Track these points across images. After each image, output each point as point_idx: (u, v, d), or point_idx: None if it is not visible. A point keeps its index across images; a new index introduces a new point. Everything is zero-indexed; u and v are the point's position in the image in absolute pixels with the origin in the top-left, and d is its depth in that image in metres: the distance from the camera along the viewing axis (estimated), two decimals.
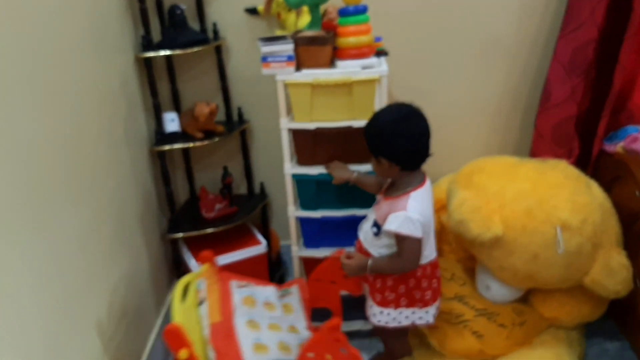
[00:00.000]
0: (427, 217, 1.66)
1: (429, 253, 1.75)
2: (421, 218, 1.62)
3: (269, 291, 1.89)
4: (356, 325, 2.25)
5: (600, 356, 2.14)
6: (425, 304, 1.78)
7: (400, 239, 1.65)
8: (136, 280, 1.99)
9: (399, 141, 1.61)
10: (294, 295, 1.92)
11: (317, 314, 1.92)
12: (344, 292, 2.02)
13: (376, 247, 1.75)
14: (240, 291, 1.81)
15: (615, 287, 1.93)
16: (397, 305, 1.78)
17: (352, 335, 2.22)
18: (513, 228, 1.89)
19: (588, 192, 1.99)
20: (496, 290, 2.08)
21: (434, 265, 1.78)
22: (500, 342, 2.00)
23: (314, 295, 1.92)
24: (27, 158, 1.30)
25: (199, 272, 1.82)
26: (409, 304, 1.78)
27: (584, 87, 2.25)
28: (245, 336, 1.65)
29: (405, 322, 1.80)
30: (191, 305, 1.71)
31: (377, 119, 1.67)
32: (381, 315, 1.81)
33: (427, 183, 1.71)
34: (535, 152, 2.35)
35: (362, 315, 2.17)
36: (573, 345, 2.05)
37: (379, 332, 2.02)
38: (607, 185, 2.17)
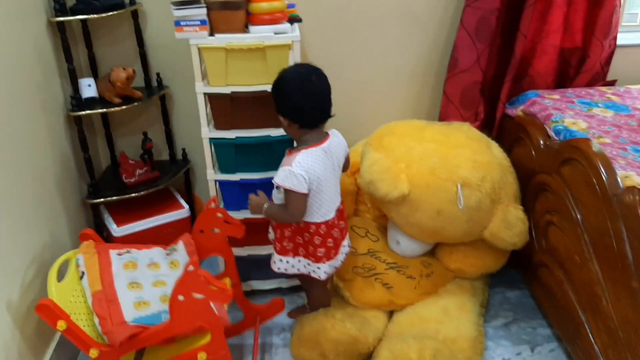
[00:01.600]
0: (316, 174, 1.72)
1: (324, 212, 1.81)
2: (305, 174, 1.69)
3: (153, 252, 1.96)
4: (273, 284, 2.35)
5: (502, 303, 2.33)
6: (317, 259, 1.86)
7: (286, 192, 1.73)
8: (57, 248, 2.00)
9: (294, 98, 1.69)
10: (180, 251, 1.98)
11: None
12: (261, 254, 2.11)
13: (278, 200, 1.84)
14: (120, 258, 1.87)
15: (512, 239, 2.10)
16: (295, 254, 1.89)
17: (273, 292, 2.34)
18: (418, 186, 2.02)
19: (488, 152, 2.13)
20: (405, 245, 2.22)
21: (329, 225, 1.84)
22: (408, 293, 2.14)
23: (202, 246, 1.98)
24: None
25: (77, 250, 1.85)
26: (306, 255, 1.88)
27: (488, 54, 2.39)
28: (125, 297, 1.72)
29: (303, 271, 1.91)
30: (73, 280, 1.76)
31: (280, 76, 1.74)
32: (280, 263, 1.92)
33: (326, 143, 1.77)
34: (444, 116, 2.49)
35: (278, 274, 2.28)
36: (476, 294, 2.22)
37: (303, 284, 2.12)
38: (509, 146, 2.33)
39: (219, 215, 1.94)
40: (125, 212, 2.37)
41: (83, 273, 1.75)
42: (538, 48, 2.43)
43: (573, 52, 2.47)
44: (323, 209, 1.82)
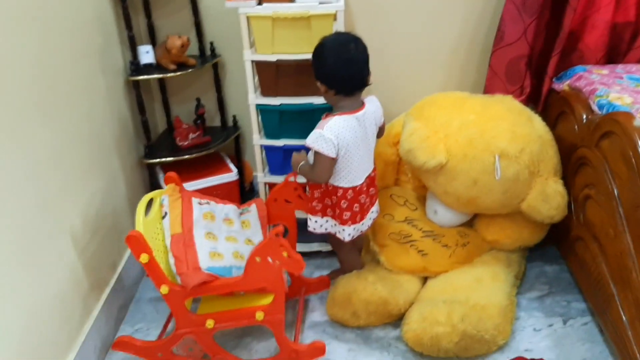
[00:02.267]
0: (345, 141, 1.79)
1: (352, 178, 1.89)
2: (335, 139, 1.77)
3: (228, 208, 2.08)
4: (316, 247, 2.45)
5: (539, 277, 2.35)
6: (342, 222, 1.96)
7: (315, 153, 1.82)
8: (112, 199, 2.17)
9: (331, 64, 1.76)
10: (252, 213, 2.11)
11: None
12: (303, 217, 2.21)
13: (311, 160, 1.94)
14: (201, 207, 1.99)
15: (549, 212, 2.11)
16: (323, 214, 1.99)
17: (312, 255, 2.45)
18: (456, 156, 2.06)
19: (529, 124, 2.14)
20: (442, 215, 2.27)
21: (357, 191, 1.92)
22: (443, 260, 2.20)
23: (271, 213, 2.11)
24: (1, 75, 1.46)
25: (163, 190, 2.00)
26: (333, 216, 1.97)
27: (536, 27, 2.37)
28: (202, 245, 1.84)
29: (330, 230, 2.01)
30: (156, 218, 1.90)
31: (320, 43, 1.82)
32: (310, 222, 2.03)
33: (360, 112, 1.83)
34: (489, 89, 2.49)
35: (320, 238, 2.39)
36: (511, 265, 2.25)
37: (334, 247, 2.22)
38: (553, 121, 2.33)
39: (295, 189, 2.06)
40: (179, 173, 2.50)
41: (166, 213, 1.89)
42: (588, 22, 2.39)
43: (625, 26, 2.41)
44: (351, 175, 1.89)
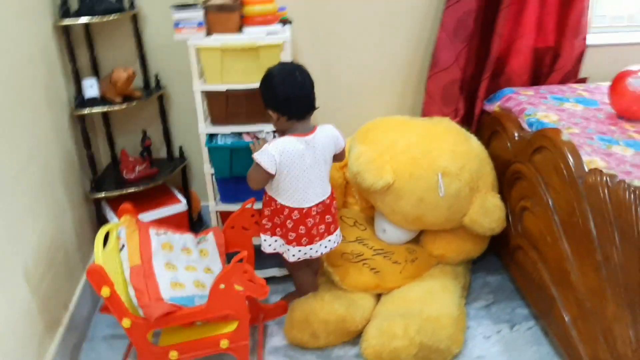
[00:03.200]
0: (290, 160, 1.87)
1: (299, 199, 1.95)
2: (277, 156, 1.85)
3: (186, 238, 2.09)
4: (271, 272, 2.47)
5: (483, 287, 2.47)
6: (288, 242, 2.01)
7: (255, 163, 1.89)
8: (61, 236, 2.12)
9: (281, 90, 1.85)
10: (210, 241, 2.13)
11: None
12: (256, 244, 2.23)
13: None
14: (159, 237, 1.99)
15: (490, 224, 2.25)
16: (272, 233, 2.05)
17: (268, 280, 2.46)
18: (402, 176, 2.17)
19: (467, 143, 2.29)
20: (391, 233, 2.36)
21: (304, 214, 1.97)
22: (394, 277, 2.28)
23: (228, 240, 2.13)
24: None
25: (119, 222, 1.99)
26: (281, 235, 2.03)
27: (467, 53, 2.55)
28: (162, 275, 1.84)
29: (278, 250, 2.06)
30: (113, 251, 1.88)
31: (267, 74, 1.90)
32: (261, 240, 2.08)
33: (310, 136, 1.91)
34: (426, 112, 2.64)
35: (275, 263, 2.42)
36: (458, 277, 2.36)
37: (289, 270, 2.26)
38: (487, 140, 2.49)
39: (252, 216, 2.10)
40: None
41: (123, 245, 1.87)
42: (513, 48, 2.59)
43: (546, 51, 2.64)
44: (297, 196, 1.95)
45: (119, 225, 1.97)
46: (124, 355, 2.07)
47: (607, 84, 2.54)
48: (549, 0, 2.53)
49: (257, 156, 1.87)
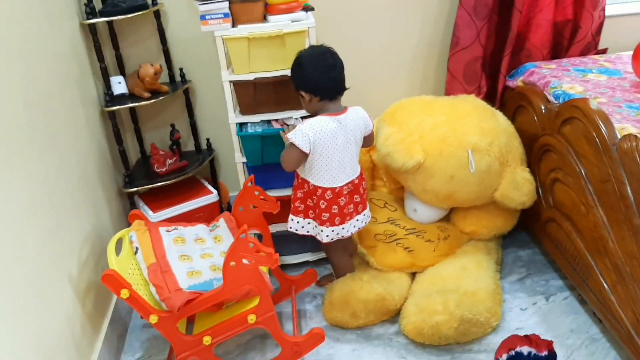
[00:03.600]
0: (324, 139, 1.90)
1: (331, 179, 1.98)
2: (311, 135, 1.88)
3: (197, 229, 2.13)
4: (304, 257, 2.51)
5: (515, 261, 2.50)
6: (321, 223, 2.04)
7: (290, 143, 1.92)
8: (101, 231, 2.17)
9: (312, 72, 1.89)
10: (222, 227, 2.15)
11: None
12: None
13: None
14: (169, 234, 2.03)
15: (521, 198, 2.27)
16: (305, 215, 2.08)
17: (301, 265, 2.51)
18: (432, 154, 2.19)
19: (493, 119, 2.30)
20: (422, 212, 2.39)
21: (336, 193, 2.00)
22: (428, 255, 2.31)
23: (240, 222, 2.14)
24: None
25: (129, 228, 2.02)
26: (314, 218, 2.06)
27: (487, 30, 2.56)
28: (178, 267, 1.87)
29: (311, 232, 2.09)
30: (128, 255, 1.92)
31: (298, 56, 1.95)
32: (292, 222, 2.11)
33: (342, 115, 1.95)
34: (449, 91, 2.66)
35: (308, 248, 2.45)
36: (491, 253, 2.39)
37: (327, 254, 2.29)
38: (512, 115, 2.50)
39: (256, 193, 2.11)
40: (158, 199, 2.53)
41: (137, 248, 1.91)
42: (533, 22, 2.60)
43: (565, 24, 2.64)
44: (330, 175, 1.98)
45: (129, 231, 2.00)
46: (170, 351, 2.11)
47: (628, 53, 2.55)
48: None
49: (291, 136, 1.90)
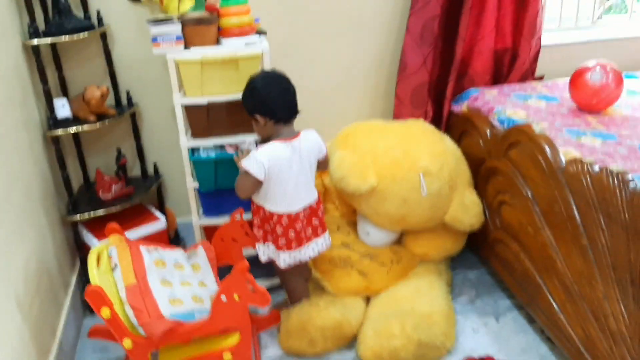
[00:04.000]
0: (278, 165, 1.92)
1: (287, 204, 1.99)
2: (266, 162, 1.89)
3: (177, 254, 2.07)
4: (260, 283, 2.46)
5: (464, 282, 2.55)
6: (278, 247, 2.04)
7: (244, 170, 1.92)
8: (44, 260, 2.06)
9: (268, 95, 1.90)
10: (200, 255, 2.11)
11: (222, 272, 2.12)
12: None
13: None
14: (150, 255, 1.96)
15: (470, 220, 2.33)
16: (264, 240, 2.08)
17: None
18: (385, 178, 2.22)
19: (442, 143, 2.36)
20: (375, 235, 2.41)
21: (292, 218, 2.01)
22: (382, 278, 2.32)
23: (219, 253, 2.12)
24: None
25: (108, 243, 1.95)
26: (272, 241, 2.05)
27: (433, 57, 2.64)
28: (160, 293, 1.81)
29: (271, 256, 2.09)
30: (106, 272, 1.84)
31: (251, 80, 1.95)
32: (258, 251, 2.11)
33: (295, 140, 1.96)
34: (397, 115, 2.71)
35: (264, 274, 2.42)
36: (442, 274, 2.43)
37: (281, 279, 2.27)
38: (457, 139, 2.57)
39: (241, 227, 2.09)
40: (103, 228, 2.41)
41: (116, 265, 1.82)
42: (475, 50, 2.70)
43: (505, 52, 2.76)
44: (285, 201, 1.99)
45: (109, 246, 1.92)
46: None
47: (564, 80, 2.69)
48: (505, 3, 2.66)
49: (245, 163, 1.89)
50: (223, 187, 2.23)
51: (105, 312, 1.63)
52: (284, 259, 2.05)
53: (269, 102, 1.91)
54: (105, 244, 1.94)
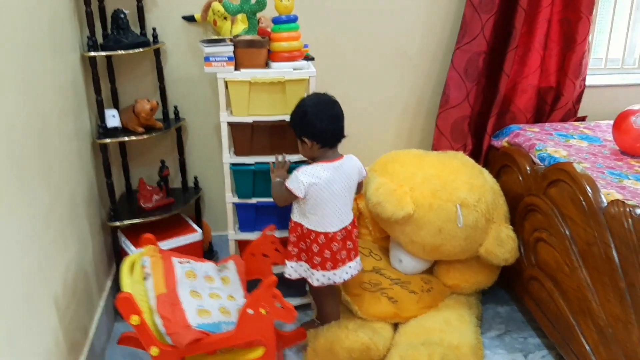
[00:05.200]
0: (318, 186, 1.96)
1: (326, 224, 2.02)
2: (306, 182, 1.94)
3: (208, 266, 2.11)
4: (290, 301, 2.48)
5: (494, 317, 2.53)
6: (313, 266, 2.07)
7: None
8: (84, 265, 2.12)
9: (319, 120, 1.95)
10: (231, 269, 2.14)
11: (251, 286, 2.15)
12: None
13: None
14: (182, 266, 2.01)
15: (504, 255, 2.32)
16: (298, 259, 2.10)
17: None
18: (422, 207, 2.23)
19: (481, 176, 2.37)
20: (407, 263, 2.41)
21: (329, 238, 2.03)
22: (412, 306, 2.32)
23: (248, 268, 2.15)
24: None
25: (143, 252, 2.00)
26: (307, 260, 2.08)
27: (476, 91, 2.67)
28: (189, 303, 1.85)
29: (303, 275, 2.11)
30: (138, 281, 1.88)
31: (302, 103, 2.01)
32: (286, 268, 2.13)
33: (338, 162, 2.01)
34: (436, 147, 2.74)
35: (293, 292, 2.44)
36: (472, 307, 2.42)
37: (314, 297, 2.29)
38: (496, 174, 2.58)
39: (272, 243, 2.13)
40: (141, 235, 2.48)
41: (148, 275, 1.87)
42: (519, 87, 2.72)
43: (548, 91, 2.77)
44: (324, 220, 2.02)
45: (142, 255, 1.98)
46: None
47: (607, 122, 2.68)
48: (552, 43, 2.68)
49: (288, 182, 1.96)
50: (260, 196, 2.30)
51: (134, 320, 1.66)
52: (317, 278, 2.08)
53: (318, 128, 1.96)
54: (140, 253, 1.98)
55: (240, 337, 1.77)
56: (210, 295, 1.97)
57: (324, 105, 1.99)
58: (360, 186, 2.16)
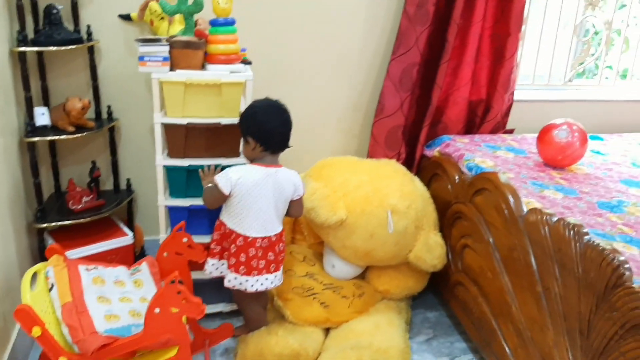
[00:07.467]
0: (245, 185, 1.97)
1: (246, 226, 2.02)
2: (234, 179, 1.96)
3: (118, 270, 2.06)
4: (218, 307, 2.48)
5: (423, 322, 2.59)
6: (229, 266, 2.08)
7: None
8: (6, 264, 2.05)
9: (268, 121, 1.97)
10: (144, 271, 2.09)
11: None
12: (205, 278, 2.24)
13: None
14: (89, 273, 1.96)
15: (432, 261, 2.39)
16: (220, 257, 2.12)
17: (214, 316, 2.47)
18: (354, 212, 2.28)
19: (412, 184, 2.44)
20: (340, 268, 2.45)
21: (247, 241, 2.02)
22: (343, 311, 2.35)
23: (163, 268, 2.10)
24: None
25: (47, 263, 1.94)
26: (227, 259, 2.09)
27: (410, 101, 2.74)
28: (96, 309, 1.80)
29: (223, 273, 2.11)
30: (42, 291, 1.83)
31: (254, 104, 2.02)
32: (207, 265, 2.14)
33: (273, 169, 2.01)
34: (371, 154, 2.79)
35: (222, 298, 2.43)
36: (402, 312, 2.47)
37: (239, 305, 2.28)
38: (427, 182, 2.65)
39: (184, 240, 2.07)
40: (70, 238, 2.42)
41: (52, 285, 1.82)
42: (450, 99, 2.81)
43: (479, 103, 2.88)
44: (245, 223, 2.02)
45: (47, 266, 1.92)
46: None
47: (532, 135, 2.80)
48: (482, 57, 2.79)
49: (217, 177, 1.98)
50: (193, 195, 2.28)
51: (35, 332, 1.59)
52: (230, 280, 2.08)
53: (265, 130, 1.97)
54: (43, 264, 1.92)
55: (149, 338, 1.70)
56: (120, 300, 1.92)
57: (276, 109, 2.01)
58: (297, 207, 2.14)
